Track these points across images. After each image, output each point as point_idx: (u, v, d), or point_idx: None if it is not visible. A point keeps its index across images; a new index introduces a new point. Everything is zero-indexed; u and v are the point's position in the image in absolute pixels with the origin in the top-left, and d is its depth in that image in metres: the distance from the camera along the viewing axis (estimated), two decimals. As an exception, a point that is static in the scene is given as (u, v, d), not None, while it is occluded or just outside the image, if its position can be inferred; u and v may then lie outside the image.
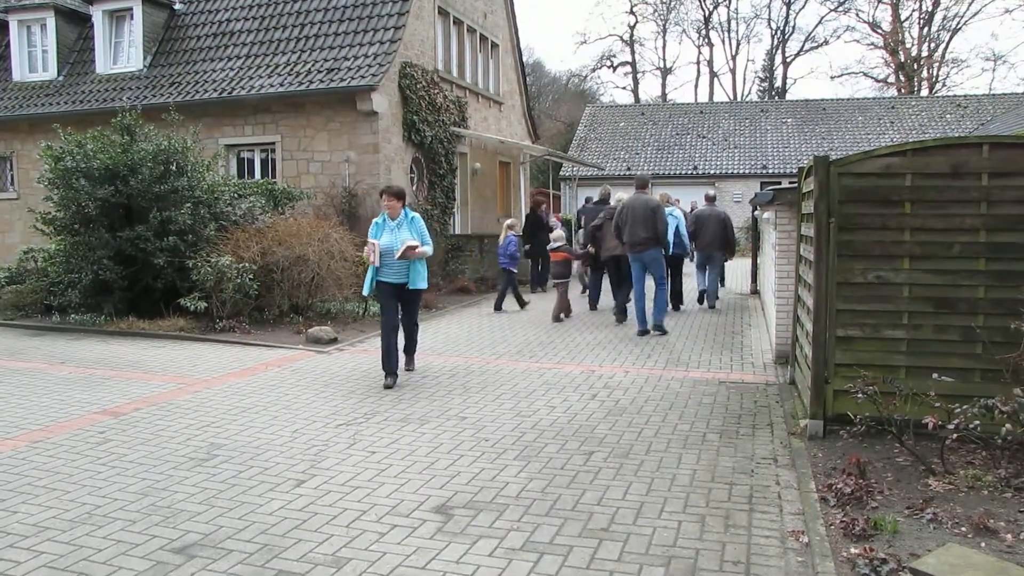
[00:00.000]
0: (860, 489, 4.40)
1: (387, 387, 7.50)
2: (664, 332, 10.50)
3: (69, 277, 11.45)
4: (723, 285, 15.10)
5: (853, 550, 3.72)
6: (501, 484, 4.85)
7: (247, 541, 4.03)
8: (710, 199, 14.41)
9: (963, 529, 3.96)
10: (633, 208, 10.54)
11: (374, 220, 7.85)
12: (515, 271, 13.22)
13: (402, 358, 8.11)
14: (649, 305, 10.73)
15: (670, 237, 11.76)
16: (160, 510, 4.45)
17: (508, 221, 13.79)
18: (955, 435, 4.54)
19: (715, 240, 13.30)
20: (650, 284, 10.78)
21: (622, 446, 5.61)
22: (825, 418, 5.60)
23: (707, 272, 13.57)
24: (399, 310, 7.90)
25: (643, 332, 10.46)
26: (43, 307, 11.93)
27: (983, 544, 3.81)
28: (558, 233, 12.92)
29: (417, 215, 7.87)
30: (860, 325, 5.52)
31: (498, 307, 13.06)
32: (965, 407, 4.59)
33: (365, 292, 8.00)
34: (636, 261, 10.61)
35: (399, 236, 7.62)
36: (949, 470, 4.74)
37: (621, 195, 11.95)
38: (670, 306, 12.41)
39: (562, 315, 11.94)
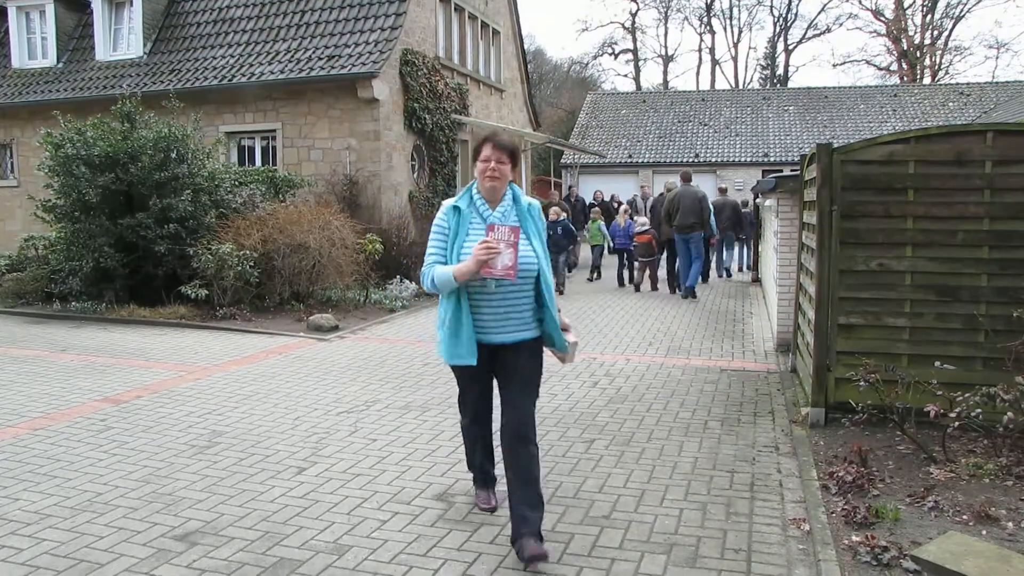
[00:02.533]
0: (862, 477, 4.40)
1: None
2: (695, 297, 12.94)
3: (70, 265, 11.44)
4: (745, 263, 17.99)
5: (855, 538, 3.72)
6: (502, 472, 4.85)
7: (248, 528, 4.03)
8: (723, 191, 17.30)
9: (964, 517, 3.96)
10: (684, 197, 13.07)
11: (446, 204, 3.81)
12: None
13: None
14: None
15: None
16: (161, 497, 4.45)
17: (623, 207, 16.18)
18: (957, 423, 4.54)
19: (729, 223, 15.98)
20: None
21: (623, 434, 5.61)
22: (827, 406, 5.60)
23: (724, 249, 16.53)
24: (490, 403, 4.04)
25: (686, 293, 12.97)
26: (44, 295, 11.92)
27: (984, 532, 3.81)
28: (642, 219, 14.72)
29: (535, 202, 3.92)
30: (862, 313, 5.51)
31: (655, 286, 14.21)
32: (967, 395, 4.60)
33: (450, 358, 3.75)
34: (683, 241, 13.01)
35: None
36: (951, 458, 4.74)
37: (672, 182, 14.85)
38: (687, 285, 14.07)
39: (654, 287, 14.18)
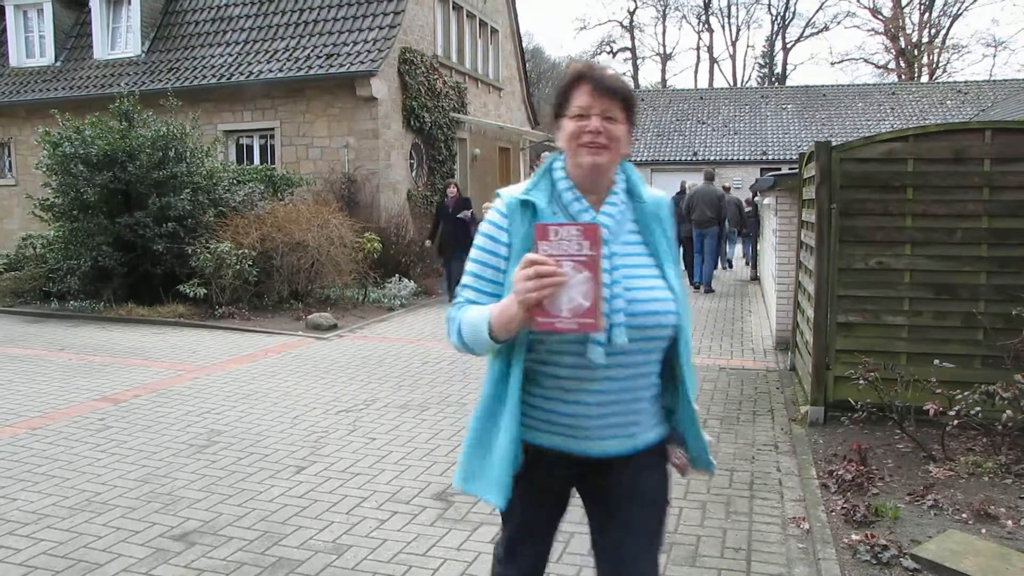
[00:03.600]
0: (861, 475, 4.39)
1: None
2: (712, 290, 13.68)
3: (68, 263, 11.42)
4: (748, 256, 18.33)
5: (854, 536, 3.72)
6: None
7: (247, 528, 4.02)
8: (727, 189, 17.74)
9: (964, 515, 3.96)
10: (703, 195, 13.99)
11: (505, 197, 2.02)
12: None
13: None
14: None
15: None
16: (160, 497, 4.44)
17: None
18: (956, 421, 4.54)
19: (732, 220, 16.57)
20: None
21: (622, 432, 5.60)
22: (826, 404, 5.60)
23: (728, 244, 17.94)
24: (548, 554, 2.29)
25: (697, 287, 13.68)
26: (42, 294, 11.90)
27: (984, 530, 3.81)
28: None
29: (662, 196, 2.13)
30: (861, 311, 5.51)
31: None
32: (966, 393, 4.59)
33: (462, 479, 2.07)
34: (700, 236, 13.79)
35: (624, 269, 1.97)
36: (950, 456, 4.74)
37: (693, 182, 15.81)
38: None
39: None
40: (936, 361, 5.09)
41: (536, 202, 1.98)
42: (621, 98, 1.97)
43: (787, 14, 56.34)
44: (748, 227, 16.87)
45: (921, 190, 5.36)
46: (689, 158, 32.07)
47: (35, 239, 12.66)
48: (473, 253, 2.04)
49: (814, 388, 5.62)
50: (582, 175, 1.99)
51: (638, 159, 32.91)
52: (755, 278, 15.48)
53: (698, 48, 73.89)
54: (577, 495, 2.20)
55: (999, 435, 4.72)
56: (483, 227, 2.05)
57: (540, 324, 1.78)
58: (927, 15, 46.27)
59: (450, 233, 12.57)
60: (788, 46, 53.43)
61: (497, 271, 1.98)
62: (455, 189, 13.15)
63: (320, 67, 14.91)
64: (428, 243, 13.31)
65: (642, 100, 37.44)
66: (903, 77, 45.22)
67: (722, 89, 41.84)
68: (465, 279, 2.04)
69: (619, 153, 1.99)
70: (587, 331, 1.79)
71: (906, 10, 46.82)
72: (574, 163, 1.99)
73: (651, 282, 2.00)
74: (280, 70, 15.19)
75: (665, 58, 56.06)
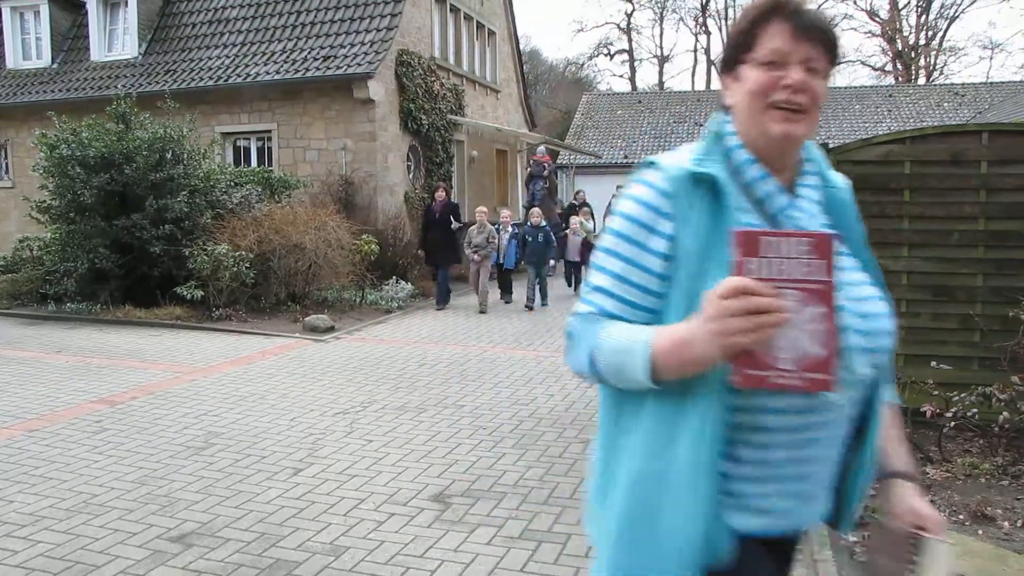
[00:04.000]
0: (858, 477, 4.39)
1: None
2: None
3: (65, 266, 11.41)
4: None
5: (851, 538, 3.72)
6: (499, 472, 4.85)
7: (244, 530, 4.02)
8: None
9: (961, 517, 3.96)
10: None
11: (664, 169, 1.42)
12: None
13: None
14: None
15: None
16: (157, 499, 4.44)
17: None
18: (953, 423, 4.55)
19: None
20: None
21: (620, 434, 5.60)
22: (823, 406, 5.59)
23: None
24: None
25: None
26: (39, 296, 11.89)
27: (981, 531, 3.81)
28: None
29: (842, 180, 1.68)
30: (858, 313, 5.51)
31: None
32: (963, 395, 4.60)
33: (620, 569, 1.51)
34: None
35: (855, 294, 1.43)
36: (947, 458, 4.75)
37: None
38: None
39: None
40: (933, 363, 5.09)
41: (716, 176, 1.39)
42: (825, 43, 1.42)
43: (784, 17, 56.20)
44: None
45: (918, 192, 5.37)
46: (686, 160, 32.01)
47: (32, 241, 12.65)
48: (610, 243, 1.43)
49: (811, 390, 5.62)
50: (767, 146, 1.44)
51: (636, 161, 32.93)
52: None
53: (695, 50, 73.80)
54: None
55: (996, 437, 4.72)
56: (627, 207, 1.43)
57: (747, 379, 1.23)
58: (924, 17, 46.42)
59: (438, 239, 12.40)
60: (785, 48, 53.44)
61: (651, 275, 1.38)
62: (443, 193, 12.91)
63: (317, 69, 14.92)
64: (420, 252, 13.18)
65: (639, 103, 37.48)
66: (900, 79, 45.32)
67: (720, 91, 41.90)
68: (599, 279, 1.42)
69: (817, 119, 1.45)
70: (818, 390, 1.25)
71: (903, 12, 46.98)
72: (757, 129, 1.44)
73: (867, 290, 1.48)
74: (277, 72, 15.19)
75: (662, 60, 55.94)
